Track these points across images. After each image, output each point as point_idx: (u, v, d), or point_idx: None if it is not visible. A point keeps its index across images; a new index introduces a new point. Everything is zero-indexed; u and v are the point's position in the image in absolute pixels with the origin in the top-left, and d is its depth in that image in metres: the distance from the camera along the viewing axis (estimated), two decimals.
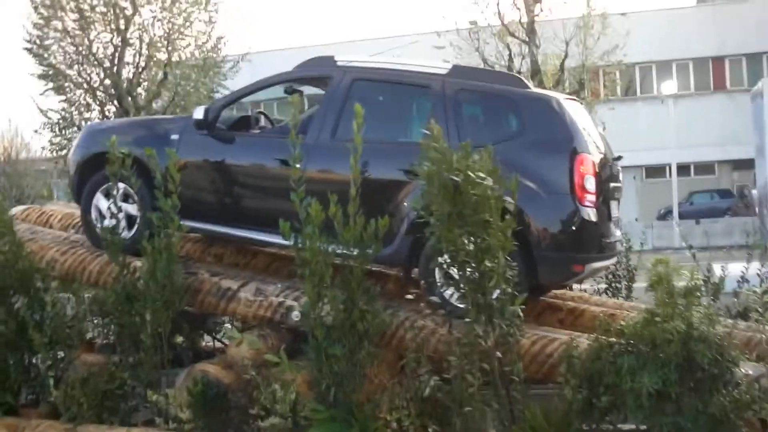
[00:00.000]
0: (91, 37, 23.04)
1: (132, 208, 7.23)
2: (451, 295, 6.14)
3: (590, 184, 6.37)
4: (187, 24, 24.22)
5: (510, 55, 23.59)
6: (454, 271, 6.07)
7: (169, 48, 24.17)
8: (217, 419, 6.02)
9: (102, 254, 7.09)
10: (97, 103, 23.55)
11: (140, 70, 24.08)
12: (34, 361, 6.68)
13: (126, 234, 7.13)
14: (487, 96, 6.85)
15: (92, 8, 22.57)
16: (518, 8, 23.60)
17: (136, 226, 7.20)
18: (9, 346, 6.68)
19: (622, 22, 23.12)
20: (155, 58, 24.08)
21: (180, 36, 24.16)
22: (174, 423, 6.03)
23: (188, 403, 6.01)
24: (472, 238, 5.31)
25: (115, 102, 23.61)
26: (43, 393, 6.62)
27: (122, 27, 23.38)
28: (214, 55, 24.83)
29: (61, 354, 6.63)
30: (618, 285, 8.71)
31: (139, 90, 24.08)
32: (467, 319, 5.55)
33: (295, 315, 6.39)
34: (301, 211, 5.85)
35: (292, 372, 5.90)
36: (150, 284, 6.30)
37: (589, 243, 6.56)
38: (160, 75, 24.16)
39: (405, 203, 6.51)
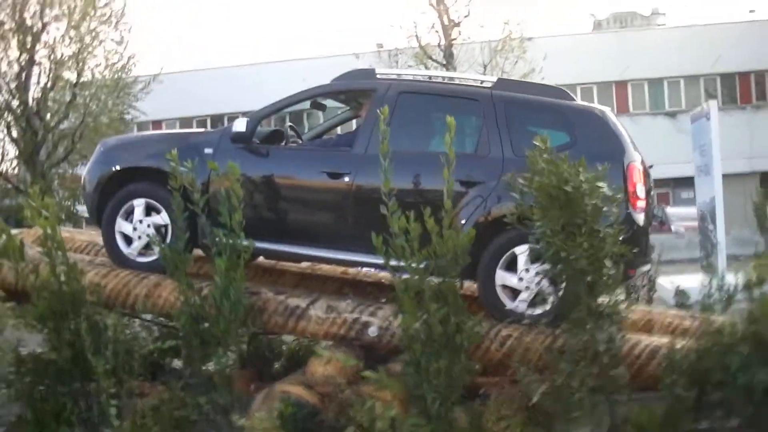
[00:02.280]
0: None
1: (160, 219, 6.98)
2: (524, 302, 6.28)
3: (641, 191, 6.55)
4: (97, 43, 23.41)
5: None
6: (525, 278, 6.18)
7: (78, 67, 23.30)
8: None
9: (147, 276, 6.75)
10: (4, 124, 22.47)
11: (48, 89, 23.10)
12: (89, 390, 6.24)
13: (152, 252, 6.94)
14: (537, 108, 6.95)
15: (0, 24, 21.54)
16: (437, 32, 23.91)
17: (169, 239, 6.92)
18: (62, 374, 6.24)
19: (540, 45, 23.81)
20: (63, 78, 23.17)
21: (89, 55, 23.32)
22: None
23: (278, 426, 5.76)
24: (585, 246, 5.35)
25: (22, 123, 22.58)
26: (104, 424, 6.18)
27: (29, 45, 22.39)
28: (125, 76, 24.10)
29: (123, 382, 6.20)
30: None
31: (47, 110, 23.07)
32: (565, 326, 5.60)
33: (372, 330, 6.28)
34: (393, 225, 5.74)
35: (391, 388, 5.77)
36: (224, 304, 6.01)
37: (639, 247, 6.72)
38: (69, 95, 23.24)
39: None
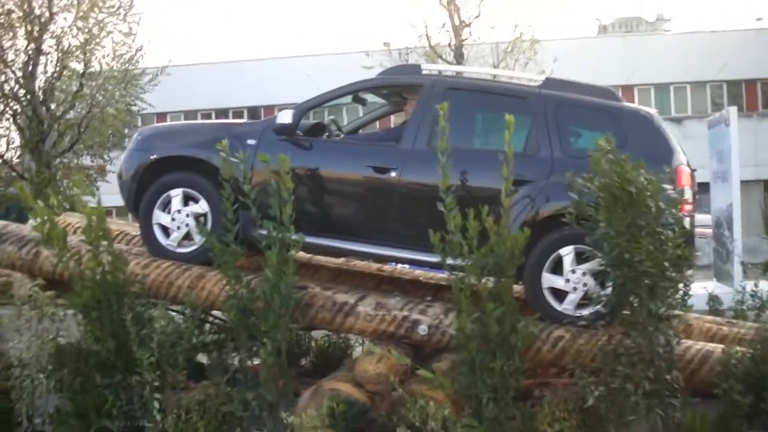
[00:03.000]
0: (6, 44, 21.75)
1: (199, 208, 6.88)
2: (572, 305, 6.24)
3: (689, 194, 6.47)
4: (105, 34, 23.20)
5: None
6: (572, 279, 6.15)
7: (86, 58, 23.08)
8: None
9: (190, 268, 6.66)
10: (10, 112, 22.26)
11: (55, 79, 22.88)
12: (132, 382, 6.14)
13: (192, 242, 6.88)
14: (586, 108, 6.87)
15: (8, 13, 21.32)
16: (447, 31, 23.83)
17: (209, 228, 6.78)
18: (104, 366, 6.14)
19: (546, 48, 23.73)
20: (70, 68, 22.96)
21: (97, 46, 23.11)
22: None
23: (327, 425, 5.67)
24: (650, 248, 5.28)
25: (29, 111, 22.39)
26: (146, 418, 6.08)
27: (36, 34, 22.18)
28: (132, 67, 23.90)
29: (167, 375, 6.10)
30: None
31: (54, 100, 22.88)
32: (622, 328, 5.55)
33: (422, 329, 6.21)
34: (449, 222, 5.67)
35: (445, 387, 5.69)
36: (274, 298, 5.92)
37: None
38: (76, 85, 23.03)
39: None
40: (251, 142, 6.94)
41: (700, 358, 5.97)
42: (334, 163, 7.04)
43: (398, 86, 7.49)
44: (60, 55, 22.83)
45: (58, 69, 23.00)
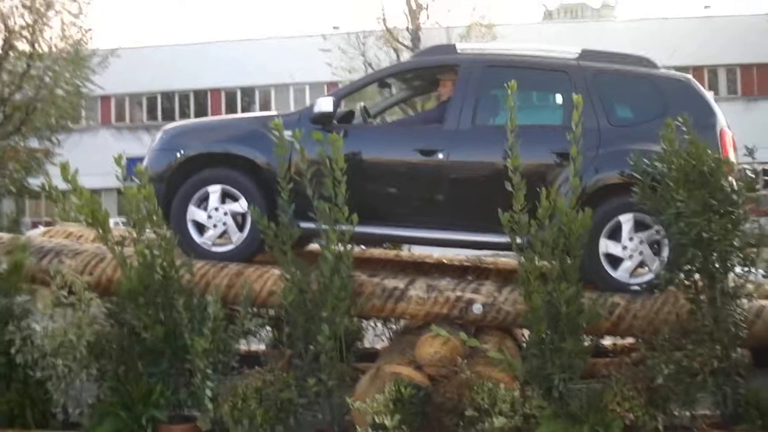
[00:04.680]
0: None
1: (238, 207, 6.69)
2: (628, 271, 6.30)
3: (733, 155, 6.49)
4: (53, 14, 22.54)
5: (398, 60, 23.75)
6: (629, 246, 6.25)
7: (33, 38, 22.38)
8: (425, 424, 5.62)
9: (226, 266, 6.45)
10: None
11: (1, 59, 22.12)
12: (182, 370, 5.91)
13: (233, 239, 6.75)
14: (625, 78, 6.87)
15: None
16: (405, 15, 23.78)
17: (247, 227, 6.68)
18: (152, 354, 5.89)
19: (509, 33, 23.83)
20: (17, 49, 22.25)
21: (45, 26, 22.43)
22: (375, 431, 5.52)
23: (392, 409, 5.53)
24: (729, 227, 5.29)
25: None
26: (197, 407, 5.85)
27: None
28: (81, 48, 23.28)
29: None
30: None
31: (0, 81, 22.12)
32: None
33: (477, 308, 6.12)
34: (518, 201, 5.58)
35: (515, 368, 5.62)
36: (333, 281, 5.76)
37: None
38: (23, 66, 22.33)
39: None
40: (287, 133, 6.73)
41: (754, 313, 5.98)
42: (377, 148, 6.88)
43: (435, 67, 7.32)
44: (6, 35, 22.13)
45: (4, 49, 22.29)
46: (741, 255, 5.37)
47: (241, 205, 6.66)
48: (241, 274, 6.35)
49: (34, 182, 23.67)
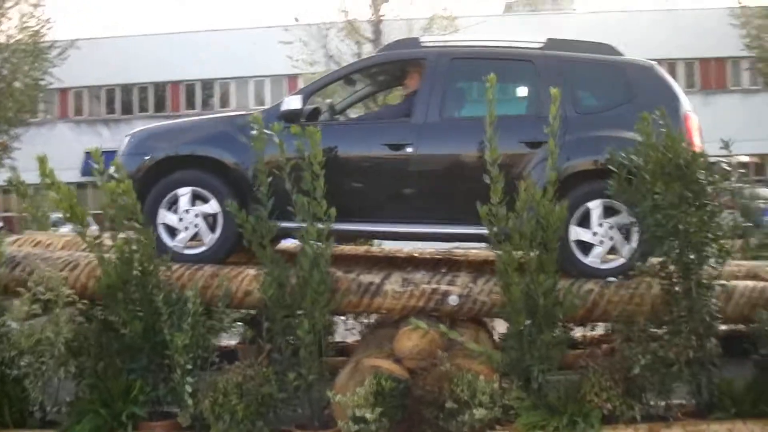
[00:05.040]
0: None
1: (209, 208, 6.68)
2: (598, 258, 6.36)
3: (698, 139, 6.62)
4: (11, 4, 22.16)
5: (360, 52, 23.74)
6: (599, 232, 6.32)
7: None
8: (405, 417, 5.66)
9: (201, 267, 6.41)
10: None
11: None
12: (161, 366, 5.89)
13: (205, 241, 6.71)
14: (592, 66, 6.94)
15: None
16: (370, 7, 23.76)
17: (219, 228, 6.66)
18: (130, 350, 5.86)
19: (470, 25, 23.94)
20: None
21: (3, 17, 22.05)
22: (356, 424, 5.55)
23: (372, 402, 5.56)
24: (705, 219, 5.40)
25: None
26: (177, 403, 5.83)
27: None
28: (40, 40, 22.91)
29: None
30: None
31: None
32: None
33: (453, 299, 6.16)
34: (495, 194, 5.64)
35: (494, 360, 5.68)
36: (313, 275, 5.78)
37: None
38: None
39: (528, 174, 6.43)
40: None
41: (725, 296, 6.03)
42: (346, 145, 6.81)
43: (400, 61, 7.34)
44: None
45: None
46: (716, 246, 5.47)
47: (212, 207, 6.64)
48: (216, 275, 6.28)
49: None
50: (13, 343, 5.86)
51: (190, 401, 5.74)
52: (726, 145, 5.65)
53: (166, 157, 6.79)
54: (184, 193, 6.69)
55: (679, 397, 5.75)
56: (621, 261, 6.32)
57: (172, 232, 6.70)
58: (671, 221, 5.36)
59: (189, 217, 6.67)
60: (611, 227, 6.32)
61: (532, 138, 6.42)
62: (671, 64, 31.91)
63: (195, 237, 6.74)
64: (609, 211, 6.33)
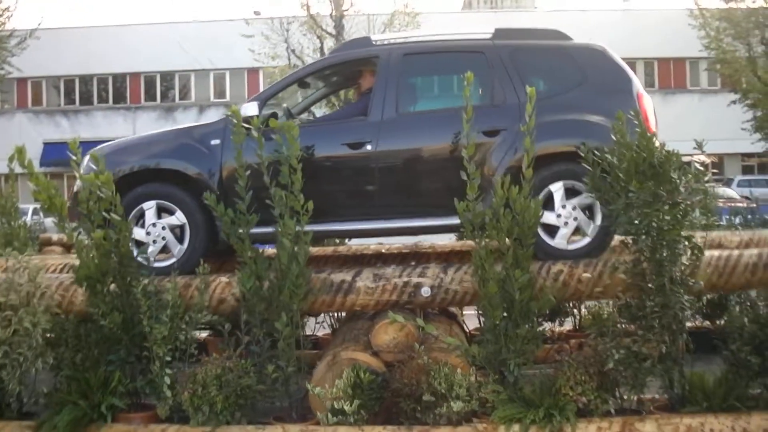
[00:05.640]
0: None
1: (175, 219, 6.70)
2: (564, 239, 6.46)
3: (653, 118, 6.78)
4: None
5: (322, 47, 23.73)
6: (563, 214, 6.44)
7: None
8: (383, 409, 5.73)
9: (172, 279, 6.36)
10: None
11: None
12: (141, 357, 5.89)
13: (174, 252, 6.71)
14: (542, 52, 7.08)
15: None
16: (329, 2, 23.77)
17: (187, 239, 6.68)
18: (109, 341, 5.85)
19: (431, 21, 24.04)
20: None
21: None
22: (334, 416, 5.61)
23: (350, 394, 5.63)
24: (678, 217, 5.53)
25: None
26: (155, 395, 5.83)
27: None
28: None
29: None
30: None
31: None
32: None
33: (425, 291, 6.20)
34: (472, 190, 5.73)
35: (471, 354, 5.77)
36: (291, 268, 5.83)
37: None
38: None
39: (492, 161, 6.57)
40: (215, 142, 6.81)
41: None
42: (306, 147, 6.71)
43: (354, 61, 7.38)
44: None
45: None
46: (689, 243, 5.60)
47: (178, 218, 6.66)
48: (189, 285, 6.25)
49: None
50: None
51: (168, 393, 5.76)
52: (699, 146, 5.79)
53: (130, 173, 6.75)
54: (149, 207, 6.67)
55: (652, 392, 5.88)
56: (587, 240, 6.44)
57: (140, 246, 6.59)
58: (645, 219, 5.48)
59: (156, 231, 6.65)
60: (574, 208, 6.42)
61: (488, 127, 6.54)
62: (630, 63, 32.42)
63: (163, 249, 6.72)
64: (570, 193, 6.43)
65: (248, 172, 6.07)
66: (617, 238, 6.57)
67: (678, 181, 5.58)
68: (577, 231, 6.52)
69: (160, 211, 6.71)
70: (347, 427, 5.53)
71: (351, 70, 7.67)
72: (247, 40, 24.11)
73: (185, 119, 34.13)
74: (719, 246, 7.17)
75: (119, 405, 5.71)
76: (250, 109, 6.62)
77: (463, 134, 5.87)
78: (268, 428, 5.61)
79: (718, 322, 7.49)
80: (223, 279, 6.30)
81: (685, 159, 5.84)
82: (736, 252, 6.22)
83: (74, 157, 5.97)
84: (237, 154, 6.10)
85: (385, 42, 7.24)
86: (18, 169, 6.39)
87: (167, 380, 5.76)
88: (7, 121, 31.16)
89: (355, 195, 6.79)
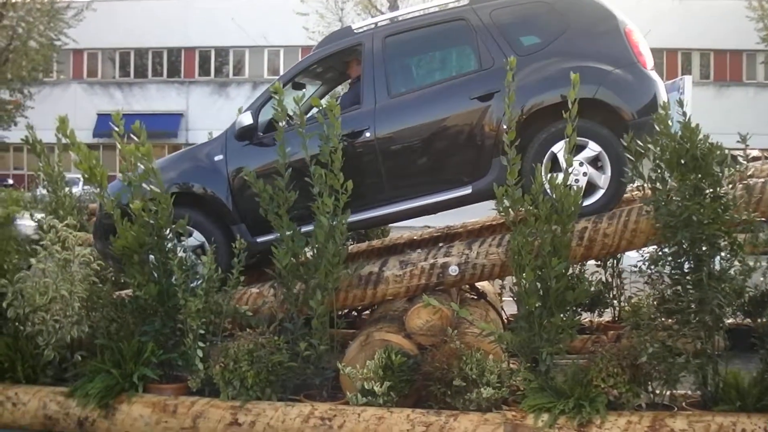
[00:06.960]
0: None
1: (194, 240, 6.73)
2: None
3: (646, 48, 6.67)
4: None
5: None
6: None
7: None
8: (413, 392, 5.73)
9: None
10: None
11: None
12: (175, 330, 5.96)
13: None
14: (521, 7, 6.97)
15: None
16: None
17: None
18: (144, 312, 5.92)
19: None
20: None
21: None
22: (364, 396, 5.62)
23: (381, 375, 5.63)
24: (719, 211, 5.41)
25: None
26: (187, 367, 5.90)
27: None
28: (55, 0, 22.92)
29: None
30: None
31: None
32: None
33: (453, 269, 6.18)
34: (512, 175, 5.67)
35: (504, 341, 5.73)
36: (327, 247, 5.84)
37: None
38: None
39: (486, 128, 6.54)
40: (219, 158, 6.87)
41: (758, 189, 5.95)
42: (310, 146, 6.45)
43: (340, 52, 7.31)
44: None
45: None
46: (729, 239, 5.49)
47: (196, 238, 6.67)
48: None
49: (2, 134, 23.39)
50: (27, 299, 5.92)
51: (200, 366, 5.81)
52: (743, 139, 5.65)
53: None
54: None
55: (685, 388, 5.79)
56: (601, 192, 6.37)
57: None
58: (685, 212, 5.37)
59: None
60: (581, 164, 6.32)
61: (483, 91, 6.52)
62: (685, 54, 31.88)
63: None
64: (576, 150, 6.15)
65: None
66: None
67: (720, 174, 5.45)
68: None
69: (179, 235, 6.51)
70: (376, 408, 5.53)
71: (339, 62, 7.64)
72: (302, 18, 24.15)
73: (238, 94, 34.40)
74: None
75: (151, 375, 5.78)
76: (245, 119, 6.73)
77: (505, 119, 5.78)
78: (298, 405, 5.63)
79: (759, 320, 7.33)
80: (253, 290, 6.38)
81: (737, 153, 5.72)
82: None
83: (116, 128, 6.03)
84: (278, 131, 6.11)
85: (366, 28, 7.22)
86: (66, 140, 6.46)
87: (200, 353, 5.81)
88: (63, 92, 31.63)
89: (362, 184, 6.63)
